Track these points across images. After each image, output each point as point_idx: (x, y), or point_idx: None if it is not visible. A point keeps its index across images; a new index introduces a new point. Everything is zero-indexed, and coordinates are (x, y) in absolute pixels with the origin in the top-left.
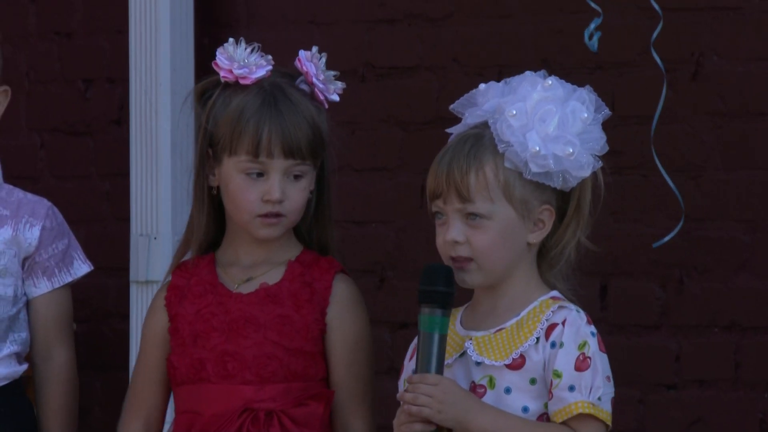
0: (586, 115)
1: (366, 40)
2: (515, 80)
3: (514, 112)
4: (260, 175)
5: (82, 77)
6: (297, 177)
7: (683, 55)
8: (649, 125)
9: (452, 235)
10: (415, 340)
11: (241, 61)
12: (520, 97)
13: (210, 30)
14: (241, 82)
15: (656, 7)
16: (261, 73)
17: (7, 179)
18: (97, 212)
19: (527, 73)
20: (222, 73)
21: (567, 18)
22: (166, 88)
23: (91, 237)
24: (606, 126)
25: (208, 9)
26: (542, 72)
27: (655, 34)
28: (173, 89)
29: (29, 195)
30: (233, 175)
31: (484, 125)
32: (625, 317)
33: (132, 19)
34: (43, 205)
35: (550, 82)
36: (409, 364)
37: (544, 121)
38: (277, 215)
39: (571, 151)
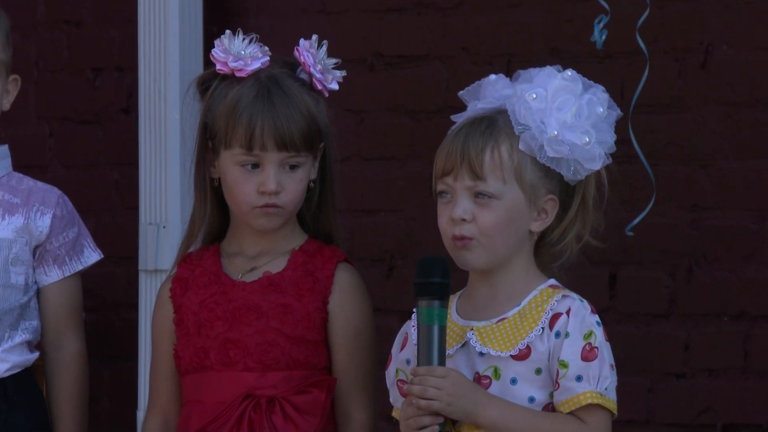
0: (601, 110)
1: (375, 30)
2: (528, 72)
3: (534, 96)
4: (256, 166)
5: (91, 66)
6: (293, 167)
7: (692, 44)
8: (660, 114)
9: (458, 212)
10: (402, 330)
11: (236, 53)
12: (538, 84)
13: (219, 18)
14: (237, 74)
15: None
16: (256, 65)
17: (16, 168)
18: (106, 201)
19: (534, 69)
20: (218, 66)
21: (577, 7)
22: (175, 77)
23: (100, 226)
24: None
25: None
26: (558, 67)
27: (640, 21)
28: (182, 78)
29: (39, 183)
30: (230, 167)
31: (496, 111)
32: (634, 306)
33: (141, 7)
34: (53, 193)
35: (569, 74)
36: (399, 354)
37: (561, 110)
38: (274, 206)
39: (587, 140)
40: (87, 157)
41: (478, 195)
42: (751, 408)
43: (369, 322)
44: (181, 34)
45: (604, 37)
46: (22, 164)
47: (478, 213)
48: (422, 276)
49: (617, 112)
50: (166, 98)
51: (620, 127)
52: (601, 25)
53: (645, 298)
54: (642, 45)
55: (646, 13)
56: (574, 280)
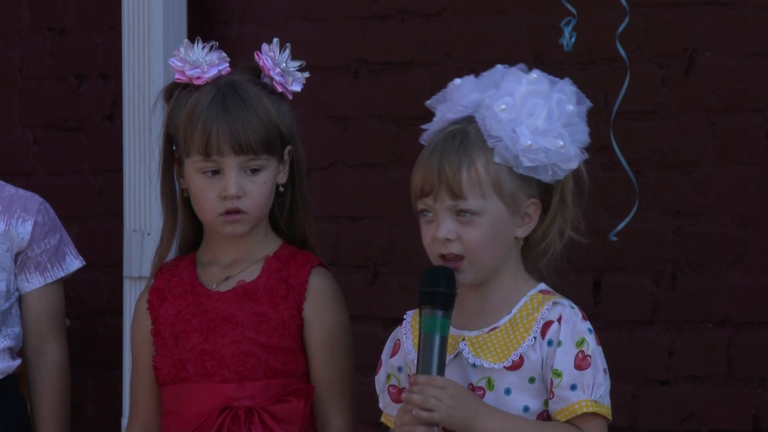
0: (571, 107)
1: (359, 36)
2: (495, 74)
3: (504, 107)
4: (217, 173)
5: (75, 73)
6: (255, 171)
7: (676, 50)
8: (643, 120)
9: (443, 233)
10: (392, 336)
11: (193, 61)
12: (506, 92)
13: (203, 26)
14: (195, 82)
15: (624, 2)
16: (213, 72)
17: (0, 175)
18: (91, 208)
19: (498, 66)
20: (176, 75)
21: (560, 13)
22: (158, 84)
23: (85, 233)
24: (599, 121)
25: (201, 4)
26: (521, 65)
27: (620, 29)
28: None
29: (21, 190)
30: (193, 176)
31: (466, 120)
32: (619, 313)
33: (125, 15)
34: (35, 200)
35: (535, 76)
36: (390, 360)
37: (532, 115)
38: (238, 211)
39: (561, 143)
40: (71, 164)
41: (459, 213)
42: (734, 414)
43: (345, 327)
44: (165, 41)
45: (573, 40)
46: (5, 171)
47: (461, 231)
48: (428, 285)
49: (587, 104)
50: (149, 105)
51: (603, 134)
52: (570, 27)
53: (629, 304)
54: (622, 52)
55: (626, 20)
56: (558, 286)
